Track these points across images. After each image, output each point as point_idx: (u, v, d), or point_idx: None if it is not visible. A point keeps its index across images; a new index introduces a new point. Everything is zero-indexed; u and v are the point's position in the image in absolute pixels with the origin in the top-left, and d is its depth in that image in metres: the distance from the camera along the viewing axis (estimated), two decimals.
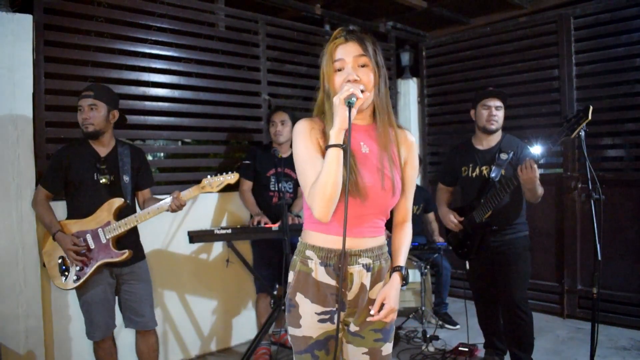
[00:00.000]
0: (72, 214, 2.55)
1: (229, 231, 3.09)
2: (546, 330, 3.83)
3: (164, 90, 3.47)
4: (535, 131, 4.12)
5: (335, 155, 1.36)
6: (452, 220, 3.05)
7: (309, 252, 1.53)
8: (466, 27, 4.99)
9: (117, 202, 2.52)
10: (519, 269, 2.90)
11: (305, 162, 1.46)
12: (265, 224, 3.21)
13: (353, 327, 1.56)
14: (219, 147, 4.01)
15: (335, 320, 1.51)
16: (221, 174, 2.68)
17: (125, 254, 2.51)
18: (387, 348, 1.58)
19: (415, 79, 5.21)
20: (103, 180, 2.52)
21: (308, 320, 1.52)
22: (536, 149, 2.66)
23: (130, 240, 2.61)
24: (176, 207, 2.56)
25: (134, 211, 2.63)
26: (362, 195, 1.46)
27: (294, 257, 1.59)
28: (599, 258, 2.30)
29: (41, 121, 2.94)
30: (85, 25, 3.12)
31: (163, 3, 3.44)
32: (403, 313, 4.23)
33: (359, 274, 1.51)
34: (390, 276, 1.56)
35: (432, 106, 5.15)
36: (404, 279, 1.57)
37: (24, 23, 2.83)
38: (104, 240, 2.49)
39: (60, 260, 2.52)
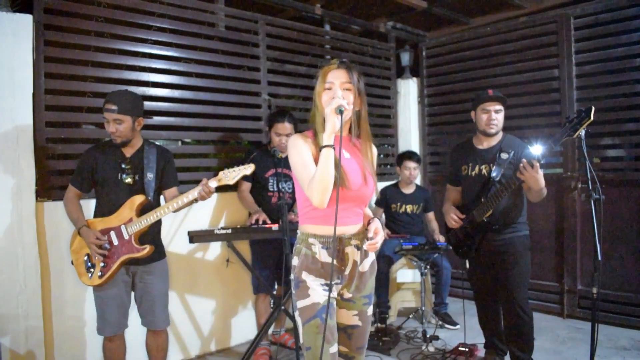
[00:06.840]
0: (98, 212, 2.62)
1: (229, 231, 3.09)
2: (546, 330, 3.83)
3: (164, 90, 3.46)
4: (536, 131, 4.13)
5: (329, 153, 1.73)
6: (453, 216, 3.05)
7: (311, 240, 1.88)
8: (466, 27, 5.00)
9: (139, 199, 2.55)
10: (519, 268, 2.90)
11: (303, 166, 1.83)
12: (264, 221, 3.21)
13: (347, 295, 1.94)
14: (219, 147, 4.01)
15: (335, 293, 1.92)
16: (237, 166, 2.66)
17: (147, 249, 2.54)
18: (370, 309, 2.02)
19: (415, 79, 5.21)
20: (127, 180, 2.57)
21: (315, 289, 1.85)
22: (536, 149, 2.65)
23: (150, 238, 2.62)
24: (205, 194, 2.54)
25: None
26: (349, 189, 1.84)
27: (297, 245, 1.92)
28: (599, 258, 2.30)
29: (41, 121, 2.94)
30: (85, 25, 3.12)
31: (163, 3, 3.44)
32: (403, 313, 4.24)
33: (352, 253, 1.91)
34: (369, 223, 1.93)
35: (432, 106, 5.14)
36: None
37: (24, 23, 2.83)
38: (126, 237, 2.53)
39: (86, 258, 2.56)
